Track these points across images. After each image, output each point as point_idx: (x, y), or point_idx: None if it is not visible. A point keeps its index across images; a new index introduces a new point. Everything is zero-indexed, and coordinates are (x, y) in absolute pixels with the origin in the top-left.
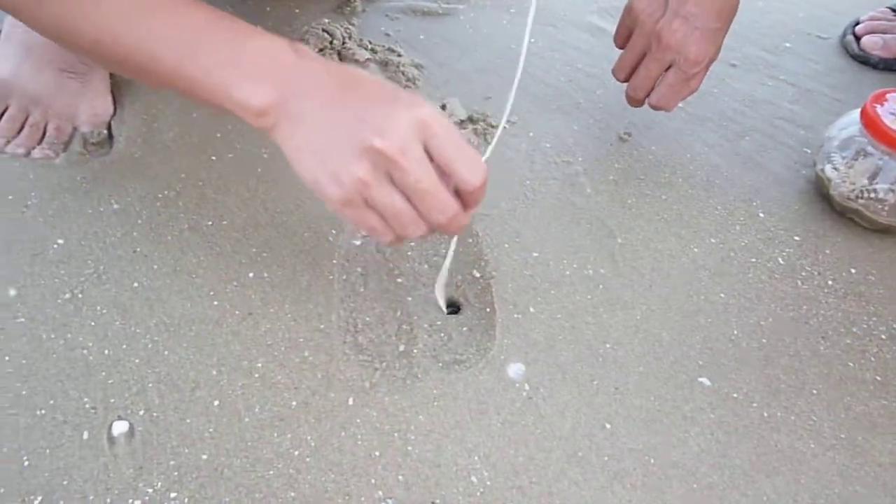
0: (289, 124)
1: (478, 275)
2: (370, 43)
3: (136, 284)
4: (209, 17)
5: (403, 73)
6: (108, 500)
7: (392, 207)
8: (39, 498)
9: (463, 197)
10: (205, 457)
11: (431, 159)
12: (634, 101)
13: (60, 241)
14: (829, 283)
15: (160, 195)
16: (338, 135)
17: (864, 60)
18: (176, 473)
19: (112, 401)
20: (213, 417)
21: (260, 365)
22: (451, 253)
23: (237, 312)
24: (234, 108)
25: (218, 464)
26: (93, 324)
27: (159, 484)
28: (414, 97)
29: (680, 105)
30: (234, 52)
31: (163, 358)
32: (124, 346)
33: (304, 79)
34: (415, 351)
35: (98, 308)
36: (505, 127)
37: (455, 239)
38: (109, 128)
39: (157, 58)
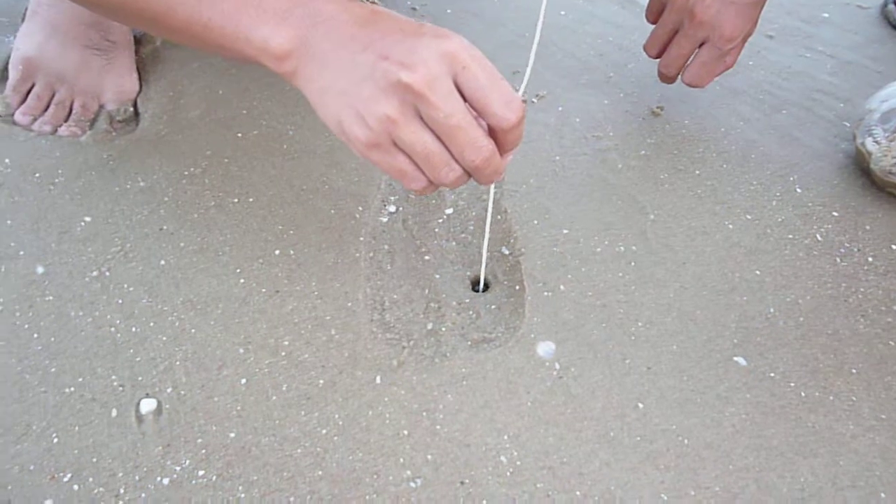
0: (310, 67)
1: (507, 252)
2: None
3: (162, 262)
4: None
5: None
6: (137, 478)
7: (422, 146)
8: (69, 475)
9: (498, 137)
10: (232, 435)
11: (462, 95)
12: (667, 79)
13: (87, 219)
14: (870, 259)
15: (186, 172)
16: (361, 73)
17: None
18: (203, 451)
19: (140, 378)
20: (240, 396)
21: (286, 343)
22: (487, 229)
23: (263, 290)
24: (254, 53)
25: (245, 442)
26: (120, 301)
27: (187, 462)
28: (440, 29)
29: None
30: None
31: (189, 336)
32: (151, 324)
33: (324, 19)
34: (443, 329)
35: (125, 286)
36: (533, 101)
37: (491, 206)
38: (135, 105)
39: (173, 4)
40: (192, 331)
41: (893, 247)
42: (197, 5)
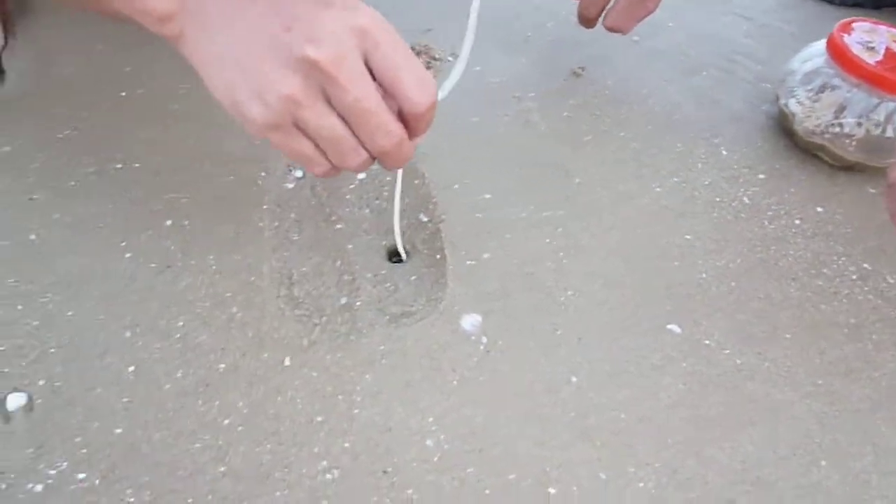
0: (199, 31)
1: (425, 219)
2: None
3: (32, 237)
4: None
5: None
6: (4, 486)
7: (328, 131)
8: None
9: (409, 121)
10: (118, 431)
11: (372, 74)
12: (587, 21)
13: None
14: (797, 222)
15: (59, 136)
16: (261, 44)
17: None
18: (84, 451)
19: (6, 370)
20: (128, 386)
21: (181, 324)
22: (397, 194)
23: (153, 265)
24: (134, 13)
25: (134, 438)
26: None
27: (64, 464)
28: (354, 1)
29: (635, 38)
30: None
31: (66, 319)
32: (19, 307)
33: None
34: (358, 303)
35: None
36: (449, 60)
37: (400, 179)
38: None
39: None
40: (69, 313)
41: (819, 209)
42: None
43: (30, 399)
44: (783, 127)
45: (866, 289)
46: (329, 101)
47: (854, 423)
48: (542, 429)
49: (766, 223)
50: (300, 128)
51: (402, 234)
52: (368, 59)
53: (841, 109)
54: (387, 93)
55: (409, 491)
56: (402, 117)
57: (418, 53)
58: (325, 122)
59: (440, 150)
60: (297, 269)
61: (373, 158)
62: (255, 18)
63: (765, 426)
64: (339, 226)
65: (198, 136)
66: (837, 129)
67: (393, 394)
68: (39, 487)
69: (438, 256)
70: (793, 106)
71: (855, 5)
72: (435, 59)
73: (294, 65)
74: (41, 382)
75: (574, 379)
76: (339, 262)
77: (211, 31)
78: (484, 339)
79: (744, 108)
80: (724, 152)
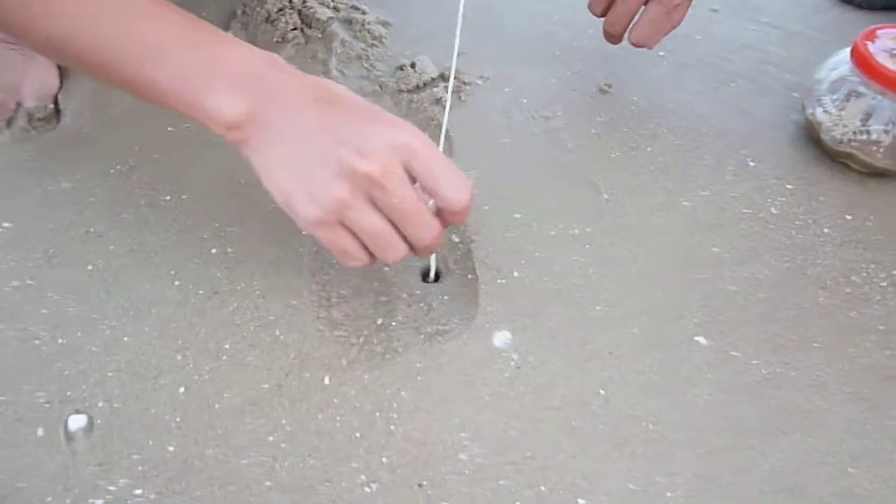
0: (262, 138)
1: (457, 240)
2: (332, 0)
3: (90, 267)
4: (178, 20)
5: (369, 32)
6: (68, 501)
7: (371, 227)
8: None
9: (445, 216)
10: (172, 448)
11: (413, 179)
12: (612, 38)
13: (7, 225)
14: (826, 231)
15: (112, 171)
16: (315, 153)
17: (846, 0)
18: (140, 468)
19: (68, 393)
20: (180, 405)
21: (228, 346)
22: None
23: (201, 292)
24: (205, 119)
25: (187, 455)
26: (45, 311)
27: (122, 481)
28: (394, 119)
29: (661, 53)
30: (206, 59)
31: (123, 345)
32: (80, 334)
33: (280, 92)
34: (394, 323)
35: (50, 294)
36: (478, 83)
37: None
38: (56, 102)
39: (121, 56)
40: (126, 339)
41: (848, 217)
42: (148, 62)
43: (90, 420)
44: (811, 136)
45: None
46: (374, 203)
47: (884, 429)
48: (573, 441)
49: (795, 233)
50: (345, 225)
51: (436, 255)
52: (410, 167)
53: (867, 117)
54: (429, 194)
55: (444, 503)
56: (438, 213)
57: (448, 77)
58: (370, 219)
59: (470, 173)
60: (336, 292)
61: (409, 250)
62: (312, 132)
63: (794, 434)
64: None
65: (241, 167)
66: (865, 137)
67: (428, 410)
68: (100, 503)
69: (470, 276)
70: (819, 115)
71: (886, 8)
72: (465, 83)
73: (344, 175)
74: (100, 404)
75: (603, 392)
76: (375, 284)
77: (275, 139)
78: (515, 356)
79: (773, 119)
80: (752, 163)
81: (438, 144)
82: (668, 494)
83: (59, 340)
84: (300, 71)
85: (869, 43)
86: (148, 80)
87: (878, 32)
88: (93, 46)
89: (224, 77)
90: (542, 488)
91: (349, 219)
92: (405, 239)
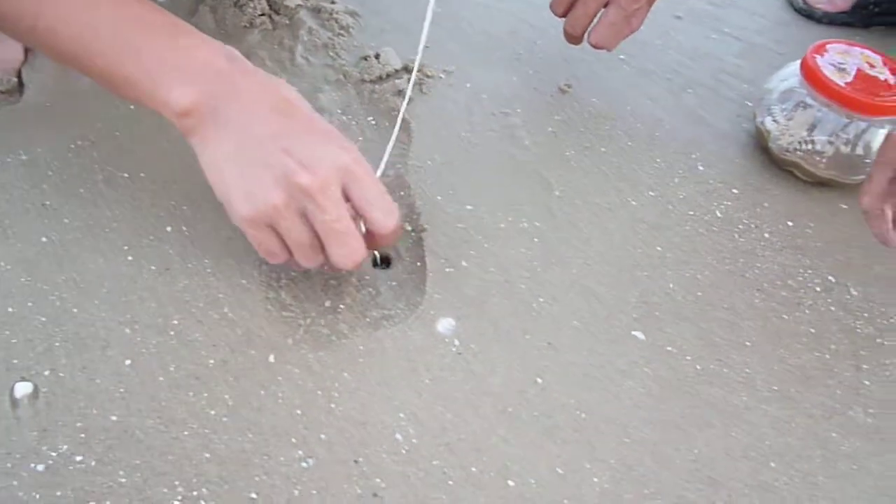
0: (210, 130)
1: (409, 228)
2: None
3: (44, 239)
4: (143, 13)
5: (337, 21)
6: (9, 465)
7: (298, 236)
8: None
9: (373, 237)
10: (114, 418)
11: (348, 198)
12: (572, 38)
13: None
14: (766, 235)
15: (72, 146)
16: (262, 156)
17: (808, 14)
18: (83, 435)
19: (15, 361)
20: (125, 377)
21: (176, 322)
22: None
23: (153, 268)
24: (156, 105)
25: (128, 425)
26: None
27: (64, 447)
28: (344, 141)
29: (622, 57)
30: (162, 49)
31: (71, 316)
32: (30, 304)
33: (241, 92)
34: (341, 307)
35: (2, 264)
36: (441, 77)
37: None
38: (19, 75)
39: (91, 48)
40: (75, 310)
41: (789, 223)
42: (106, 53)
43: (36, 388)
44: (760, 144)
45: (829, 300)
46: (306, 215)
47: (806, 428)
48: (508, 426)
49: (737, 236)
50: (274, 229)
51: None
52: (347, 188)
53: (813, 128)
54: (360, 215)
55: (378, 480)
56: (368, 235)
57: (412, 70)
58: (298, 228)
59: (427, 163)
60: (286, 274)
61: (324, 264)
62: (263, 136)
63: (720, 429)
64: None
65: None
66: (809, 147)
67: (369, 391)
68: (41, 467)
69: (419, 264)
70: (768, 124)
71: (845, 24)
72: (427, 75)
73: (284, 182)
74: (46, 373)
75: (540, 381)
76: (326, 267)
77: (224, 135)
78: (457, 342)
79: (726, 126)
80: (701, 168)
81: (394, 132)
82: (594, 480)
83: (9, 309)
84: (259, 68)
85: (818, 56)
86: (99, 68)
87: (828, 46)
88: (56, 35)
89: (178, 66)
90: (473, 469)
91: (279, 225)
92: (326, 254)
